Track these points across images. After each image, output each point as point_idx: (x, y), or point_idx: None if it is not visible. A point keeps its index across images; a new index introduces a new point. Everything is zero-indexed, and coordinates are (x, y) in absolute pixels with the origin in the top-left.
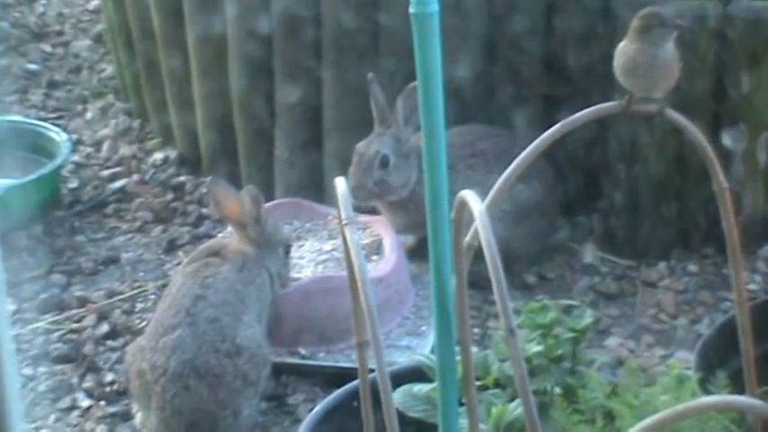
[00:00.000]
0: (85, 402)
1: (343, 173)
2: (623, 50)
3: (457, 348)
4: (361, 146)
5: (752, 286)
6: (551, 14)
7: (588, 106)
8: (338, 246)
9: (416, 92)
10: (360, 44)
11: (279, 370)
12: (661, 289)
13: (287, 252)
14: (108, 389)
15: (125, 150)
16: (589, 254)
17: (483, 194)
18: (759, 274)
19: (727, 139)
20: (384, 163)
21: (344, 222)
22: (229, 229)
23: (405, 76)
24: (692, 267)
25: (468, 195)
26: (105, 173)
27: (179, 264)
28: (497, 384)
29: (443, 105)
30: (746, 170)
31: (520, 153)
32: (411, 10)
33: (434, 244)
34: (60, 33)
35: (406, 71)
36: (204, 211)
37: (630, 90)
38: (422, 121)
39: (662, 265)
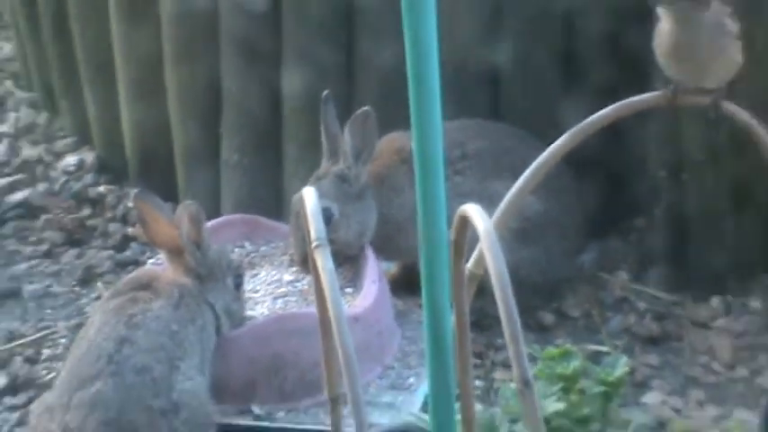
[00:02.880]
0: None
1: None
2: (659, 29)
3: (456, 406)
4: (297, 200)
5: None
6: None
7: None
8: (302, 275)
9: (369, 119)
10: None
11: None
12: (714, 331)
13: (237, 284)
14: None
15: (28, 152)
16: (622, 286)
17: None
18: None
19: None
20: (325, 218)
21: (315, 244)
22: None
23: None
24: (755, 304)
25: (472, 210)
26: (2, 181)
27: (98, 298)
28: None
29: (440, 94)
30: None
31: (528, 153)
32: None
33: (429, 272)
34: None
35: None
36: (130, 230)
37: (676, 78)
38: (413, 114)
39: (716, 300)
